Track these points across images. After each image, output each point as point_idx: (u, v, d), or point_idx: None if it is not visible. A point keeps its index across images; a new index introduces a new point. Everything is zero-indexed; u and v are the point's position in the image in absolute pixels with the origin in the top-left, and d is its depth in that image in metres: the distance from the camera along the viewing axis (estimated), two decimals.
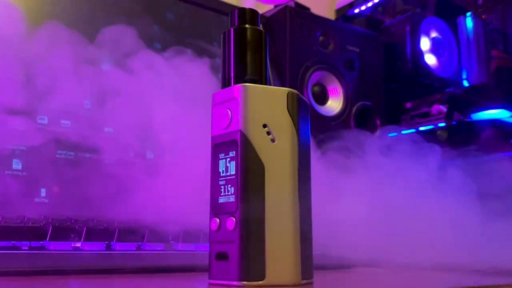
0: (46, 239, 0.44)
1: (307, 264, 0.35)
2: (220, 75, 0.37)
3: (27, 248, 0.42)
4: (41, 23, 0.64)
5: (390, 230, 0.55)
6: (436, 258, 0.53)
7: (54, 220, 0.53)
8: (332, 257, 0.55)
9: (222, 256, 0.33)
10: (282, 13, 0.85)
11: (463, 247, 0.57)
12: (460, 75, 0.99)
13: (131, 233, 0.49)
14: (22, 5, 0.64)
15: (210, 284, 0.34)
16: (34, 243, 0.43)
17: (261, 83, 0.36)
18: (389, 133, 0.96)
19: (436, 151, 0.67)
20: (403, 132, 0.98)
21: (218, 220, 0.34)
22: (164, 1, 0.78)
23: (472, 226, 0.61)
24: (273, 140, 0.34)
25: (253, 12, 0.37)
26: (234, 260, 0.32)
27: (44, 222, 0.50)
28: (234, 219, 0.33)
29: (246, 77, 0.36)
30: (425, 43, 0.98)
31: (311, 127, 0.38)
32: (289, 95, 0.35)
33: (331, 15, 1.15)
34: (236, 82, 0.36)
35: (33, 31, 0.51)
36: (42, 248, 0.43)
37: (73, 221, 0.53)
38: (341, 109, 0.87)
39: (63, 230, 0.45)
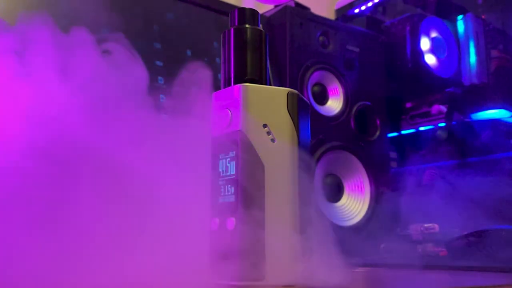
0: None
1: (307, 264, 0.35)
2: (220, 75, 0.37)
3: None
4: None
5: None
6: None
7: None
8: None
9: (222, 256, 0.33)
10: (282, 13, 0.85)
11: None
12: (460, 75, 0.99)
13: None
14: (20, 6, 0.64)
15: (210, 284, 0.34)
16: None
17: (261, 83, 0.36)
18: (389, 133, 0.96)
19: None
20: (403, 132, 0.98)
21: (218, 220, 0.34)
22: (164, 1, 0.78)
23: None
24: (273, 140, 0.34)
25: (253, 12, 0.37)
26: (234, 260, 0.32)
27: None
28: (234, 219, 0.33)
29: (246, 77, 0.36)
30: (425, 43, 0.98)
31: (311, 127, 0.38)
32: (289, 95, 0.35)
33: (331, 15, 1.15)
34: (236, 82, 0.36)
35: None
36: None
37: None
38: (341, 109, 0.87)
39: None
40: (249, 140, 0.34)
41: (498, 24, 0.96)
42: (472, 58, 0.97)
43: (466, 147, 0.85)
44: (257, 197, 0.33)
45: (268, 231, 0.33)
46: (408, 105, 0.98)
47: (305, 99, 0.37)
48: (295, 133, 0.35)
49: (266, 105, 0.35)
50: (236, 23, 0.37)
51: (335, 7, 1.16)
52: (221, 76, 0.37)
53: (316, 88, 0.86)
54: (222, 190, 0.34)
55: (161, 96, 0.72)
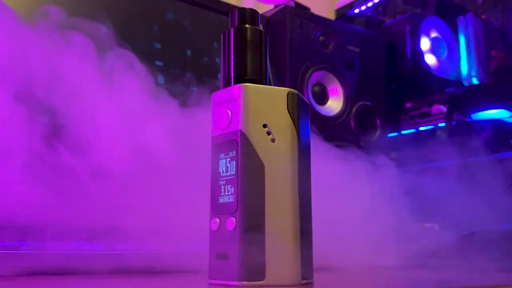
0: (46, 239, 0.44)
1: (307, 264, 0.35)
2: (220, 75, 0.37)
3: (27, 248, 0.42)
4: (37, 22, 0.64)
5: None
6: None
7: (54, 220, 0.52)
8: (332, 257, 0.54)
9: (222, 256, 0.33)
10: (282, 13, 0.85)
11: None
12: (460, 75, 0.99)
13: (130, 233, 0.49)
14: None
15: (210, 284, 0.34)
16: (34, 243, 0.43)
17: (261, 83, 0.36)
18: (389, 133, 0.96)
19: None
20: (403, 132, 0.98)
21: (218, 220, 0.34)
22: (164, 1, 0.78)
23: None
24: (273, 140, 0.34)
25: (253, 12, 0.37)
26: (234, 260, 0.32)
27: (44, 222, 0.50)
28: (234, 219, 0.33)
29: (246, 77, 0.36)
30: (425, 43, 0.98)
31: (311, 127, 0.38)
32: (289, 95, 0.35)
33: (331, 15, 1.15)
34: (236, 82, 0.36)
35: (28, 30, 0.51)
36: (42, 248, 0.43)
37: (73, 221, 0.53)
38: (341, 109, 0.87)
39: (63, 230, 0.45)
40: (249, 140, 0.34)
41: (498, 24, 0.96)
42: (472, 58, 0.96)
43: (466, 147, 0.85)
44: (257, 197, 0.33)
45: (268, 231, 0.33)
46: (408, 105, 0.98)
47: (305, 99, 0.37)
48: (295, 133, 0.35)
49: (266, 105, 0.35)
50: (236, 23, 0.37)
51: (335, 7, 1.16)
52: (221, 76, 0.37)
53: (316, 88, 0.86)
54: (222, 190, 0.34)
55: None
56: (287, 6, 0.85)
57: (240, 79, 0.36)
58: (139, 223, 0.52)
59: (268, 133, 0.34)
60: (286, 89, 0.36)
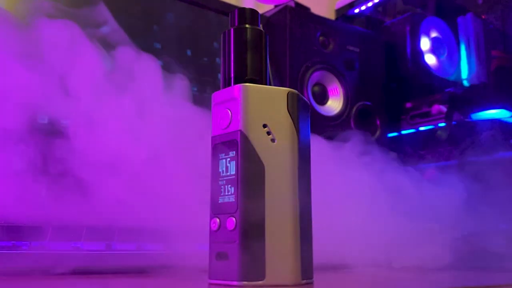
0: (46, 239, 0.44)
1: (307, 264, 0.35)
2: (220, 75, 0.37)
3: (27, 248, 0.42)
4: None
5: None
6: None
7: (54, 219, 0.52)
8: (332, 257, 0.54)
9: (222, 256, 0.33)
10: (282, 13, 0.85)
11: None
12: (460, 75, 0.99)
13: (131, 233, 0.49)
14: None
15: (210, 284, 0.34)
16: (34, 243, 0.43)
17: (261, 83, 0.36)
18: (389, 133, 0.96)
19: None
20: (403, 132, 0.98)
21: (218, 220, 0.34)
22: (164, 1, 0.78)
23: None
24: (273, 140, 0.34)
25: (253, 12, 0.37)
26: (234, 260, 0.32)
27: (44, 222, 0.50)
28: (234, 219, 0.33)
29: (246, 77, 0.36)
30: (425, 43, 0.98)
31: (311, 127, 0.38)
32: (289, 95, 0.35)
33: (331, 15, 1.15)
34: (236, 82, 0.36)
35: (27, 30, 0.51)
36: (42, 248, 0.43)
37: (73, 221, 0.53)
38: (341, 109, 0.87)
39: (63, 230, 0.45)
40: (249, 140, 0.34)
41: (498, 24, 0.96)
42: (472, 58, 0.96)
43: (466, 147, 0.85)
44: (257, 197, 0.33)
45: (268, 231, 0.33)
46: (408, 105, 0.98)
47: (305, 99, 0.37)
48: (295, 133, 0.35)
49: (266, 105, 0.35)
50: (236, 23, 0.37)
51: (335, 7, 1.16)
52: (221, 76, 0.37)
53: (316, 88, 0.86)
54: (222, 190, 0.34)
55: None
56: (287, 6, 0.85)
57: (240, 79, 0.36)
58: (139, 223, 0.52)
59: (268, 133, 0.34)
60: (286, 89, 0.36)
